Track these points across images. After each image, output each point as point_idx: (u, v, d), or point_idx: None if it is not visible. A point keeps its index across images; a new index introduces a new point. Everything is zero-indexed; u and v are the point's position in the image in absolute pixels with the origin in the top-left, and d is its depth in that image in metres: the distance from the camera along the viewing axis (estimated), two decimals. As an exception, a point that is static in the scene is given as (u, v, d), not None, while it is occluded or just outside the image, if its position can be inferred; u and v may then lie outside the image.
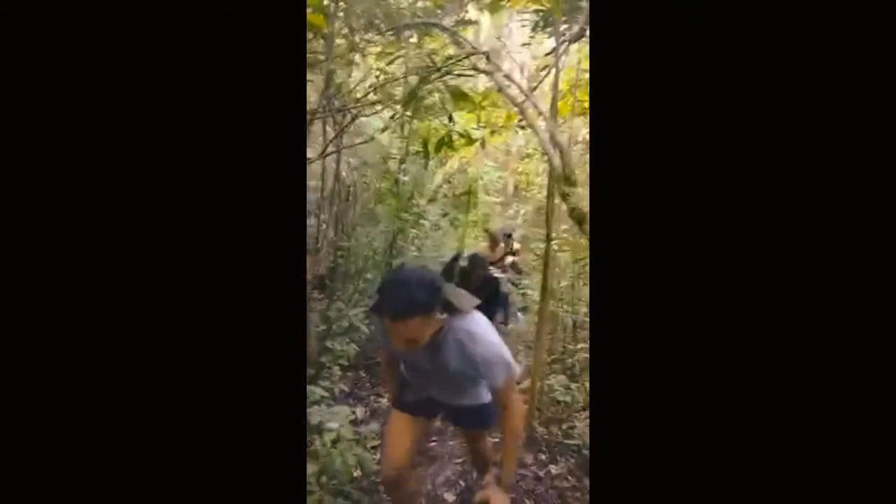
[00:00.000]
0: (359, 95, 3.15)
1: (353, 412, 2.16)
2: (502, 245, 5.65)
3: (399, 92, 3.02)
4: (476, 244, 6.28)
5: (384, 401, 3.29)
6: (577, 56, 3.39)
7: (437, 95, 3.09)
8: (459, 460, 2.70)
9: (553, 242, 2.71)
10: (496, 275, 3.89)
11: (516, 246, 5.90)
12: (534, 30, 3.05)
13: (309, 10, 1.43)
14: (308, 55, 2.97)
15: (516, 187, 9.23)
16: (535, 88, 3.16)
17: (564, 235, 3.67)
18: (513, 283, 5.08)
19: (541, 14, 2.86)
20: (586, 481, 2.48)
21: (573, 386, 3.31)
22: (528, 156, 7.61)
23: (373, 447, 2.65)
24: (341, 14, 2.61)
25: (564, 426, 3.07)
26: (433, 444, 2.87)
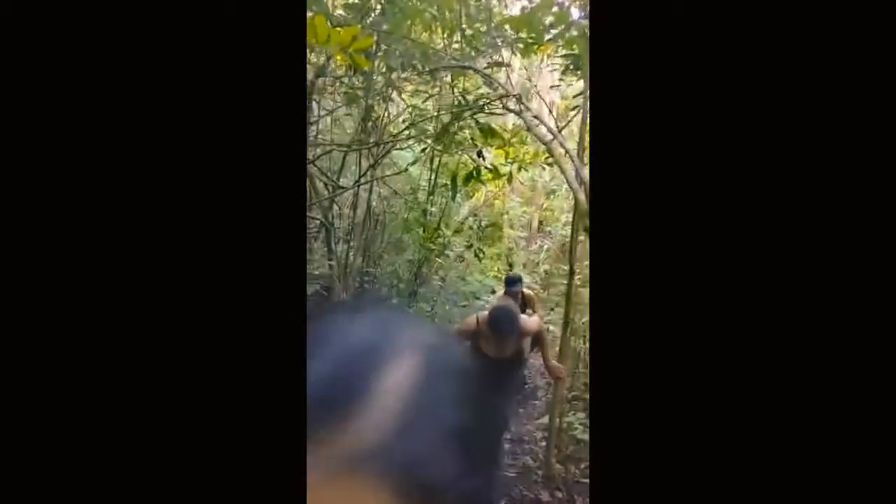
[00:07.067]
0: (394, 130, 3.31)
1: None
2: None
3: (432, 127, 3.17)
4: (500, 276, 6.28)
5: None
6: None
7: (467, 131, 3.23)
8: None
9: (576, 278, 2.75)
10: None
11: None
12: (563, 73, 3.18)
13: (353, 52, 1.56)
14: (347, 91, 3.15)
15: (541, 223, 9.27)
16: (563, 128, 3.26)
17: (587, 271, 3.69)
18: None
19: (570, 58, 2.98)
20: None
21: (593, 424, 3.24)
22: (554, 192, 7.69)
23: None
24: (381, 53, 2.79)
25: (583, 465, 3.01)
26: None
